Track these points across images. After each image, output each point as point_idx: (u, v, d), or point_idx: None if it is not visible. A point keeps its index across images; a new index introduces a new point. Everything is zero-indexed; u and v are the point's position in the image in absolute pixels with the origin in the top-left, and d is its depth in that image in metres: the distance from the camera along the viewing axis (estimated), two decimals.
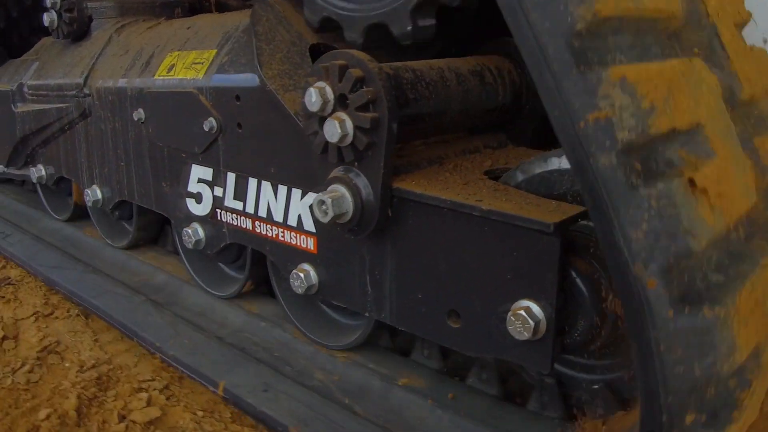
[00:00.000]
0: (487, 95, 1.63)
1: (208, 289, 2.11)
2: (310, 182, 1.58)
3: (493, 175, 1.50)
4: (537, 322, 1.23)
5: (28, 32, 3.25)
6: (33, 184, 3.04)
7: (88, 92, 2.26)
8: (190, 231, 1.94)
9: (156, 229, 2.45)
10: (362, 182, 1.38)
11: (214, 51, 1.83)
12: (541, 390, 1.51)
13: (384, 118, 1.30)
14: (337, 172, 1.42)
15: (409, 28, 1.44)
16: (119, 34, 2.30)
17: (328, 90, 1.34)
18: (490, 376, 1.61)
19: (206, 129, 1.77)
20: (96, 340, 2.17)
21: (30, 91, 2.55)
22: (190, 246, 1.95)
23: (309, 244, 1.64)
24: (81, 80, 2.26)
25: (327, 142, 1.39)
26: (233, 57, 1.75)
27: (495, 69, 1.67)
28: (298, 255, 1.67)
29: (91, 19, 2.39)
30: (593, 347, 1.36)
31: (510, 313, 1.26)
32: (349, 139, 1.33)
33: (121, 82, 2.11)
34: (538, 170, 1.40)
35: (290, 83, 1.61)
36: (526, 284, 1.25)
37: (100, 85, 2.20)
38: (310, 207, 1.43)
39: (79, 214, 2.73)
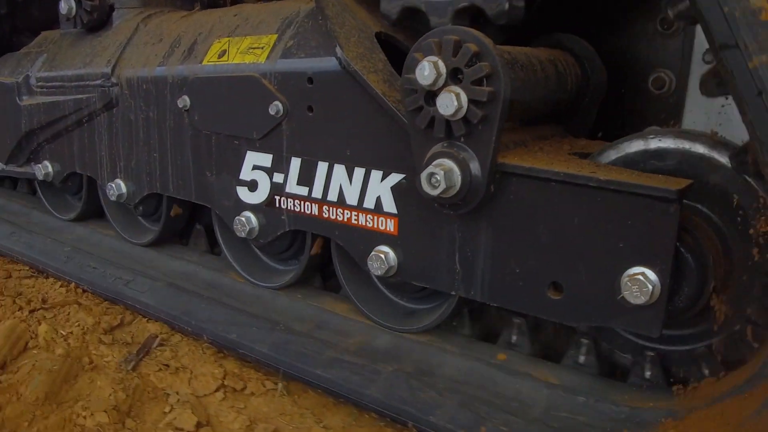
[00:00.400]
0: (560, 84, 1.69)
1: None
2: (395, 163, 1.58)
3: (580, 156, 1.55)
4: (653, 287, 1.28)
5: (9, 31, 3.09)
6: (28, 184, 2.89)
7: (115, 81, 2.17)
8: (243, 219, 1.89)
9: (180, 225, 2.37)
10: (470, 157, 1.40)
11: (275, 36, 1.81)
12: (640, 362, 1.55)
13: (500, 92, 1.33)
14: (440, 147, 1.43)
15: (507, 6, 1.47)
16: (146, 23, 2.23)
17: (441, 64, 1.36)
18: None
19: (272, 113, 1.74)
20: (325, 427, 1.64)
21: (39, 83, 2.43)
22: (242, 235, 1.90)
23: (389, 225, 1.63)
24: (108, 69, 2.18)
25: (433, 117, 1.40)
26: (300, 41, 1.73)
27: (563, 61, 1.74)
28: (375, 237, 1.66)
29: (112, 9, 2.31)
30: (690, 314, 1.43)
31: (626, 279, 1.30)
32: (463, 112, 1.35)
33: (159, 70, 2.04)
34: (632, 149, 1.46)
35: (370, 66, 1.62)
36: (642, 251, 1.29)
37: (131, 74, 2.12)
38: (419, 180, 1.43)
39: (88, 213, 2.60)
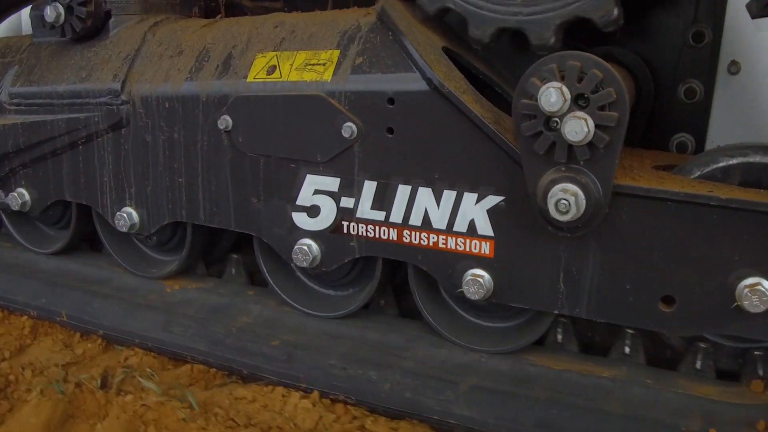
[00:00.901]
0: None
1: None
2: (492, 185, 1.56)
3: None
4: None
5: None
6: None
7: (126, 99, 1.95)
8: (304, 248, 1.78)
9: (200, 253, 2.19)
10: (591, 180, 1.41)
11: (336, 51, 1.71)
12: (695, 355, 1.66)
13: (624, 116, 1.36)
14: (559, 172, 1.43)
15: (616, 13, 1.46)
16: (154, 33, 2.02)
17: (566, 90, 1.36)
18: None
19: (346, 135, 1.66)
20: None
21: (15, 101, 2.13)
22: (304, 265, 1.79)
23: (484, 248, 1.61)
24: (116, 85, 1.95)
25: (554, 142, 1.40)
26: (371, 58, 1.66)
27: (622, 75, 1.79)
28: (468, 261, 1.63)
29: (108, 16, 2.07)
30: None
31: (745, 290, 1.39)
32: (590, 137, 1.36)
33: (188, 87, 1.86)
34: (722, 164, 1.55)
35: (459, 86, 1.58)
36: (759, 262, 1.38)
37: (148, 91, 1.92)
38: (545, 205, 1.42)
39: (74, 245, 2.34)
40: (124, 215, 2.03)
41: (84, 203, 2.15)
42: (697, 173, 1.56)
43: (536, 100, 1.38)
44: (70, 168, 2.12)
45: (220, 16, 2.11)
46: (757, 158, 1.50)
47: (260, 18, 1.93)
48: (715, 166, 1.55)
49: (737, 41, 1.91)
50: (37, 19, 2.14)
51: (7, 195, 2.22)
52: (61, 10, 2.02)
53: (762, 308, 1.38)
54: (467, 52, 1.78)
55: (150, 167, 1.98)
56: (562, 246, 1.54)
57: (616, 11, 1.48)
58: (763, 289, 1.37)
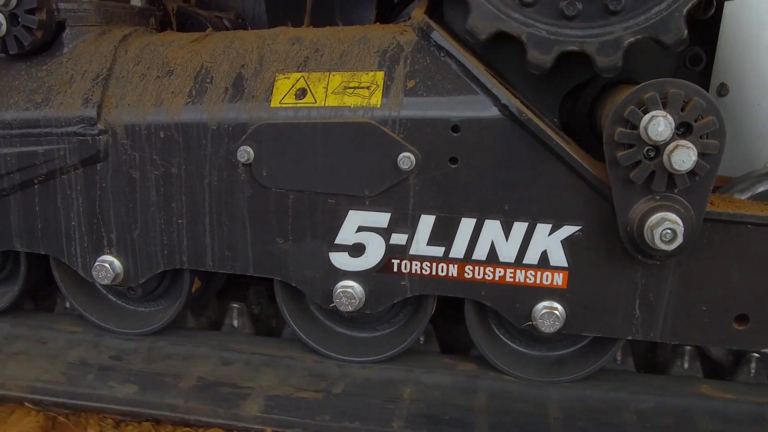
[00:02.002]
0: None
1: None
2: (569, 214, 1.49)
3: None
4: None
5: None
6: None
7: (103, 128, 1.61)
8: (349, 291, 1.59)
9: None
10: (686, 208, 1.39)
11: (381, 73, 1.53)
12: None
13: (724, 144, 1.34)
14: (654, 201, 1.39)
15: (686, 31, 1.42)
16: (126, 49, 1.68)
17: (670, 119, 1.31)
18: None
19: (404, 167, 1.49)
20: None
21: None
22: (349, 309, 1.60)
23: (557, 280, 1.54)
24: (91, 112, 1.60)
25: (656, 171, 1.35)
26: (425, 80, 1.50)
27: None
28: (539, 293, 1.55)
29: (62, 27, 1.69)
30: None
31: None
32: (692, 163, 1.33)
33: (190, 114, 1.57)
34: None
35: (532, 111, 1.48)
36: None
37: (134, 119, 1.60)
38: (645, 235, 1.37)
39: (18, 302, 1.91)
40: (105, 265, 1.69)
41: (42, 253, 1.76)
42: (747, 195, 1.61)
43: (637, 129, 1.32)
44: (21, 212, 1.72)
45: (209, 30, 1.79)
46: None
47: (267, 33, 1.67)
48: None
49: (727, 64, 1.99)
50: None
51: None
52: (2, 19, 1.61)
53: None
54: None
55: (138, 208, 1.66)
56: (640, 273, 1.51)
57: (686, 30, 1.44)
58: None
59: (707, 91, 1.97)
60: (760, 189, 1.63)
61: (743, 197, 1.63)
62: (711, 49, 1.97)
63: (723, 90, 2.10)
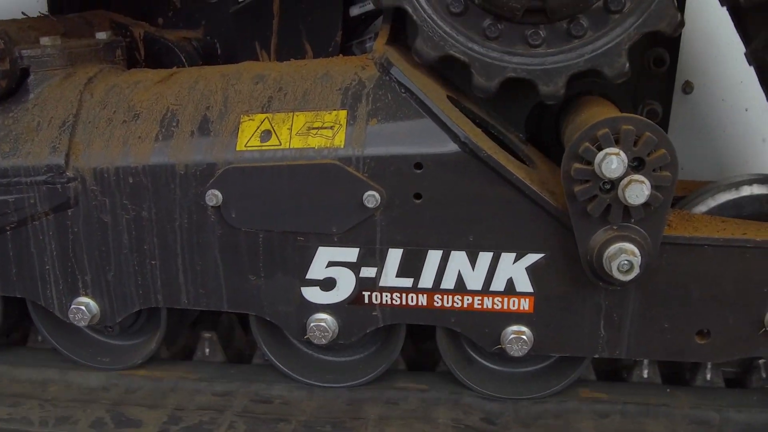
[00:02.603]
0: None
1: None
2: (532, 244, 1.53)
3: None
4: None
5: None
6: None
7: (72, 176, 1.63)
8: (322, 324, 1.63)
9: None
10: (644, 237, 1.44)
11: (343, 112, 1.55)
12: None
13: (676, 175, 1.39)
14: (612, 232, 1.44)
15: (627, 65, 1.48)
16: (92, 92, 1.69)
17: (623, 156, 1.35)
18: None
19: (369, 205, 1.52)
20: None
21: None
22: (323, 342, 1.65)
23: (523, 305, 1.59)
24: (59, 160, 1.62)
25: (609, 205, 1.40)
26: (387, 118, 1.53)
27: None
28: (506, 318, 1.60)
29: (26, 73, 1.69)
30: None
31: None
32: (646, 197, 1.37)
33: (158, 158, 1.59)
34: (727, 198, 1.65)
35: (489, 146, 1.51)
36: None
37: (102, 164, 1.61)
38: (603, 266, 1.42)
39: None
40: (81, 308, 1.72)
41: (18, 296, 1.78)
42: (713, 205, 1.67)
43: (591, 165, 1.36)
44: None
45: (175, 68, 1.80)
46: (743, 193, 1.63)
47: (231, 70, 1.69)
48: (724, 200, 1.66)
49: (691, 63, 2.03)
50: None
51: None
52: None
53: None
54: (464, 97, 1.70)
55: (111, 251, 1.68)
56: (603, 295, 1.56)
57: (627, 64, 1.48)
58: None
59: (673, 89, 2.05)
60: (720, 201, 1.68)
61: (703, 210, 1.68)
62: (675, 49, 2.01)
63: (688, 88, 2.15)
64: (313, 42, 2.10)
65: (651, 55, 2.00)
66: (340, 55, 1.89)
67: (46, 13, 2.12)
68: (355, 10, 2.06)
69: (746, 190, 1.65)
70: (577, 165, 1.38)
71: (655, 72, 2.03)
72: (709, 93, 2.04)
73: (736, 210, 1.65)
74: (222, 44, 2.32)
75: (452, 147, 1.49)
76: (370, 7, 2.03)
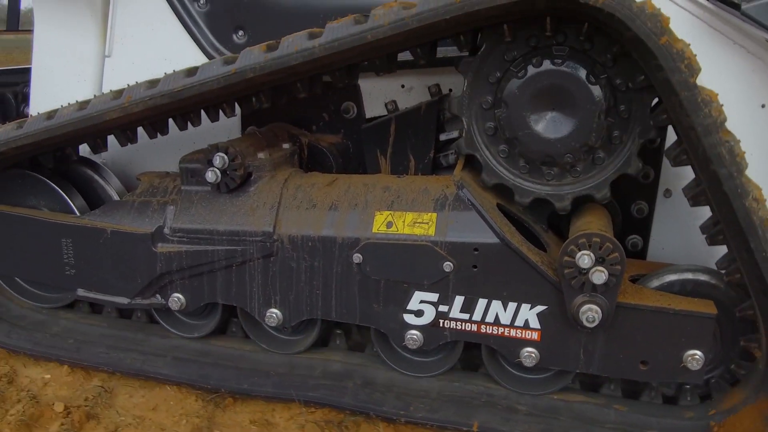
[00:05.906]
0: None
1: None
2: (541, 299, 2.60)
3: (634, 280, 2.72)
4: (704, 360, 2.51)
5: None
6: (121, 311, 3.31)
7: (276, 239, 2.83)
8: (414, 336, 2.76)
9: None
10: (604, 301, 2.48)
11: (434, 214, 2.68)
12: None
13: (624, 267, 2.43)
14: (586, 297, 2.49)
15: (609, 193, 2.55)
16: (287, 188, 2.89)
17: (592, 255, 2.41)
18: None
19: (446, 270, 2.64)
20: None
21: (177, 234, 2.93)
22: (414, 347, 2.77)
23: (533, 335, 2.66)
24: (269, 229, 2.81)
25: (584, 282, 2.46)
26: (460, 220, 2.64)
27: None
28: (522, 343, 2.67)
29: (249, 174, 2.91)
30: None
31: (688, 356, 2.51)
32: (605, 280, 2.42)
33: (327, 232, 2.76)
34: (671, 279, 2.66)
35: (518, 239, 2.60)
36: (695, 342, 2.51)
37: (294, 233, 2.79)
38: (578, 318, 2.47)
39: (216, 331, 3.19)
40: (273, 314, 2.91)
41: (235, 305, 3.00)
42: (657, 284, 2.68)
43: (574, 259, 2.43)
44: (224, 281, 2.96)
45: (335, 175, 2.99)
46: (698, 277, 2.63)
47: (370, 180, 2.85)
48: (671, 279, 2.67)
49: (670, 175, 3.03)
50: (188, 173, 2.94)
51: (167, 299, 3.02)
52: (219, 173, 2.84)
53: (697, 367, 2.51)
54: (509, 203, 2.79)
55: (293, 283, 2.87)
56: (581, 334, 2.61)
57: (609, 193, 2.55)
58: (699, 356, 2.50)
59: (656, 194, 3.06)
60: (666, 280, 2.69)
61: (652, 287, 2.69)
62: (657, 166, 3.03)
63: (667, 194, 3.14)
64: (414, 154, 3.24)
65: (640, 173, 3.03)
66: (432, 162, 3.04)
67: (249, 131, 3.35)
68: (443, 136, 3.20)
69: (685, 275, 2.65)
70: (566, 258, 2.45)
71: (644, 183, 3.06)
72: (683, 198, 2.95)
73: (680, 287, 2.65)
74: (354, 148, 3.49)
75: (495, 239, 2.58)
76: (453, 135, 3.16)
